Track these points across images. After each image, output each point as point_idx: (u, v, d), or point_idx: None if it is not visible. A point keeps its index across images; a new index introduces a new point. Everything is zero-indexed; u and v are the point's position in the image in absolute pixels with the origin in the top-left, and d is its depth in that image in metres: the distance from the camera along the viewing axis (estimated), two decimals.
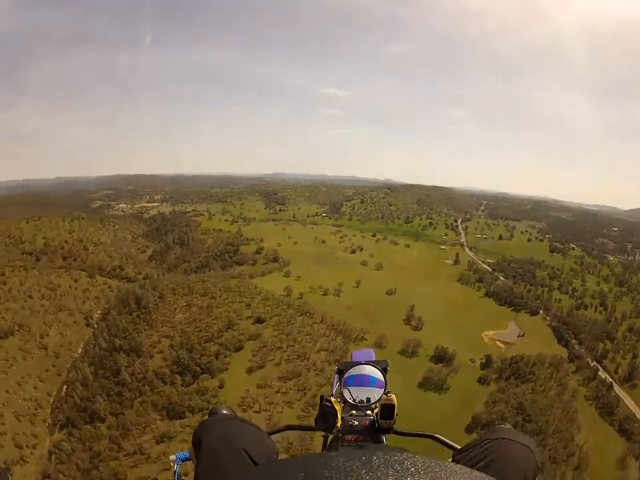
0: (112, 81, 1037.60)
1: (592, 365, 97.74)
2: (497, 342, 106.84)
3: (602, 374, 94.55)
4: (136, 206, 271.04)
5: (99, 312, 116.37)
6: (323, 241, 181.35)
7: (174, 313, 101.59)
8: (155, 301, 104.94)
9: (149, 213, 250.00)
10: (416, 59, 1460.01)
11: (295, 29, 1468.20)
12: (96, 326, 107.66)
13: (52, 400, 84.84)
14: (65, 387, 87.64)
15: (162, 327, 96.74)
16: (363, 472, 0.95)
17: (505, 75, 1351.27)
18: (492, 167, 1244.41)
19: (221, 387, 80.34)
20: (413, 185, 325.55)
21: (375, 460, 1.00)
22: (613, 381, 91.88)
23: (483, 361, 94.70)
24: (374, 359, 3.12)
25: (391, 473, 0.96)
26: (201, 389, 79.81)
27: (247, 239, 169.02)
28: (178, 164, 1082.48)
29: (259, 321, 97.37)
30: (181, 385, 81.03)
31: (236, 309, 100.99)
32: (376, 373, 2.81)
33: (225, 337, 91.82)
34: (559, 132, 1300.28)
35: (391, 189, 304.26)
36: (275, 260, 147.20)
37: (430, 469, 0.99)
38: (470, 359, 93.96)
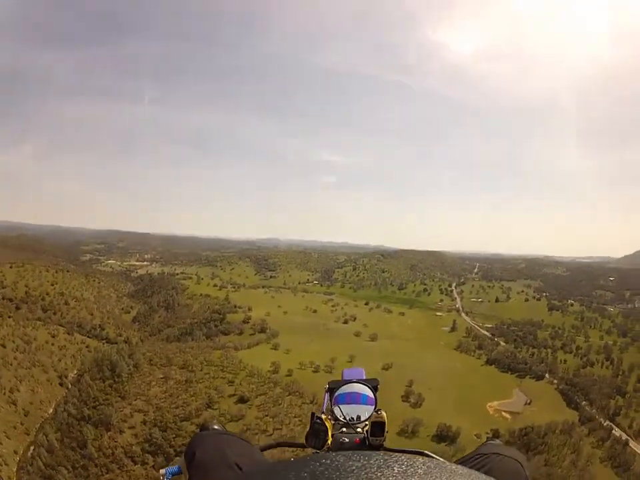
0: (110, 135, 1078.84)
1: (605, 424, 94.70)
2: (503, 412, 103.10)
3: (616, 432, 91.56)
4: (125, 263, 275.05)
5: (75, 372, 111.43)
6: (314, 311, 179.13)
7: (149, 386, 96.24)
8: (130, 370, 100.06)
9: (137, 272, 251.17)
10: (408, 123, 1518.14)
11: (290, 95, 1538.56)
12: (69, 387, 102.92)
13: (18, 459, 78.29)
14: (32, 447, 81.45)
15: (135, 400, 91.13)
16: (363, 472, 0.96)
17: (494, 133, 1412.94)
18: (483, 228, 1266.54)
19: None
20: (405, 250, 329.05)
21: (375, 461, 1.01)
22: (628, 437, 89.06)
23: (490, 435, 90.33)
24: (364, 377, 3.04)
25: (390, 473, 0.97)
26: None
27: (235, 307, 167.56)
28: (172, 224, 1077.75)
29: (242, 400, 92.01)
30: (152, 466, 74.34)
31: (217, 386, 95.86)
32: (366, 390, 2.79)
33: (203, 416, 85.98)
34: (548, 188, 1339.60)
35: (384, 255, 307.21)
36: (263, 330, 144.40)
37: (430, 469, 1.01)
38: (475, 435, 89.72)
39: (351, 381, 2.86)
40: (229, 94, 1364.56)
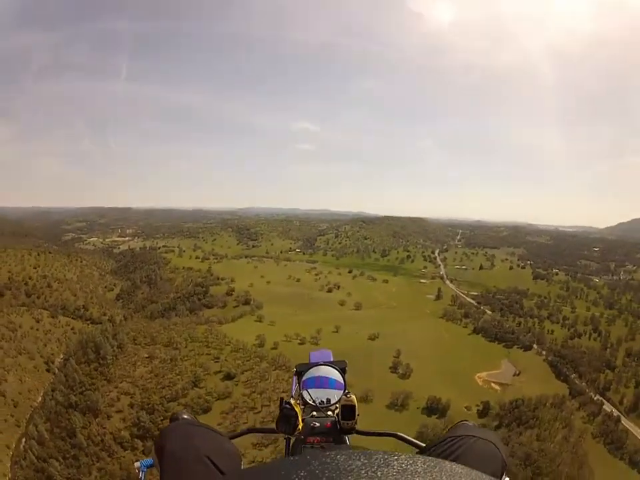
0: (88, 112, 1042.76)
1: (595, 398, 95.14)
2: (492, 384, 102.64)
3: (607, 407, 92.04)
4: (107, 240, 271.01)
5: (61, 356, 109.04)
6: (298, 280, 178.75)
7: (134, 366, 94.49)
8: (114, 351, 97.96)
9: (119, 248, 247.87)
10: (387, 94, 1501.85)
11: (268, 65, 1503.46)
12: (56, 373, 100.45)
13: (11, 453, 76.34)
14: (24, 440, 79.28)
15: (121, 383, 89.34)
16: (363, 471, 0.97)
17: (474, 103, 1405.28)
18: (465, 195, 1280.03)
19: None
20: (387, 216, 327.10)
21: (375, 460, 1.01)
22: (620, 413, 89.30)
23: (480, 407, 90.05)
24: (332, 360, 3.18)
25: (390, 472, 0.97)
26: None
27: (218, 279, 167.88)
28: (152, 197, 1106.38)
29: (229, 376, 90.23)
30: (142, 452, 72.62)
31: (202, 363, 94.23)
32: (335, 374, 2.89)
33: (190, 395, 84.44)
34: (530, 157, 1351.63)
35: (365, 222, 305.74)
36: (247, 302, 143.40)
37: (430, 468, 1.01)
38: (465, 407, 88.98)
39: (318, 364, 2.96)
40: (206, 70, 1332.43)
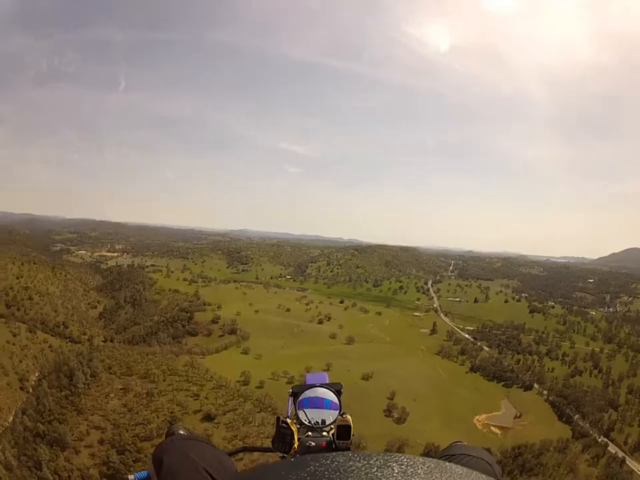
0: (82, 122, 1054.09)
1: (599, 439, 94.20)
2: (492, 427, 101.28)
3: (611, 448, 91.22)
4: (95, 254, 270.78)
5: (36, 374, 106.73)
6: (288, 309, 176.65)
7: (107, 398, 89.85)
8: (87, 379, 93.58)
9: (107, 263, 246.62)
10: (378, 116, 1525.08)
11: (260, 87, 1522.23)
12: (29, 392, 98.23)
13: None
14: None
15: (92, 415, 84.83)
16: (363, 473, 0.99)
17: (467, 128, 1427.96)
18: (456, 225, 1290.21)
19: None
20: (379, 245, 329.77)
21: (375, 461, 1.03)
22: (624, 454, 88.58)
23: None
24: (327, 382, 3.33)
25: (390, 473, 0.99)
26: None
27: (204, 304, 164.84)
28: (145, 213, 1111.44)
29: (209, 417, 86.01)
30: None
31: (181, 401, 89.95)
32: (330, 395, 3.03)
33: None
34: (522, 187, 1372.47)
35: (358, 250, 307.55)
36: (233, 332, 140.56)
37: (430, 469, 1.03)
38: None
39: (314, 385, 3.12)
40: (205, 86, 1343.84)
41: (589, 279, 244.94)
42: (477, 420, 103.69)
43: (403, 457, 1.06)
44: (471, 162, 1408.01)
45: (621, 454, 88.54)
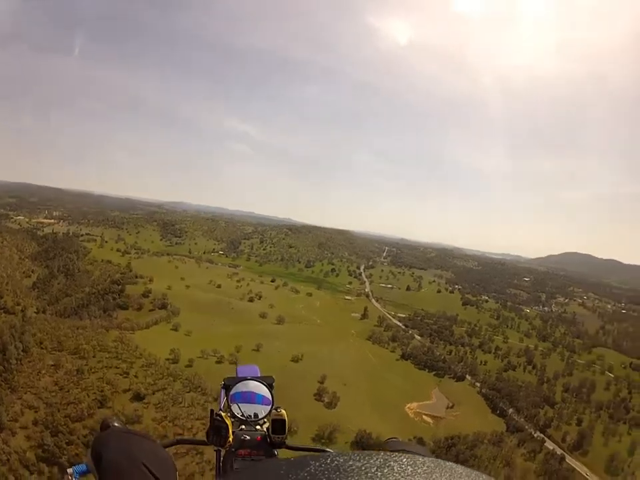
0: (26, 87, 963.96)
1: (535, 435, 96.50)
2: (424, 416, 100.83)
3: (549, 444, 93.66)
4: (33, 220, 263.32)
5: None
6: (219, 286, 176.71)
7: (39, 375, 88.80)
8: (19, 355, 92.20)
9: (43, 230, 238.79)
10: (330, 105, 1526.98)
11: (213, 63, 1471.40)
12: None
13: None
14: None
15: (25, 393, 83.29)
16: (363, 472, 1.00)
17: (412, 123, 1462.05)
18: (392, 213, 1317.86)
19: None
20: (314, 226, 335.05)
21: (375, 461, 1.05)
22: (563, 451, 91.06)
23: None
24: (259, 375, 3.36)
25: (390, 473, 1.01)
26: None
27: (136, 276, 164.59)
28: (85, 181, 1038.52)
29: (139, 397, 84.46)
30: (49, 478, 66.54)
31: (111, 379, 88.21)
32: (262, 389, 3.08)
33: (96, 417, 76.37)
34: (463, 181, 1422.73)
35: (292, 230, 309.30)
36: (164, 307, 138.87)
37: (430, 469, 1.05)
38: None
39: (245, 378, 3.15)
40: (151, 59, 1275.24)
41: (525, 277, 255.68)
42: (408, 408, 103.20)
43: (402, 457, 1.08)
44: (416, 158, 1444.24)
45: (559, 451, 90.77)
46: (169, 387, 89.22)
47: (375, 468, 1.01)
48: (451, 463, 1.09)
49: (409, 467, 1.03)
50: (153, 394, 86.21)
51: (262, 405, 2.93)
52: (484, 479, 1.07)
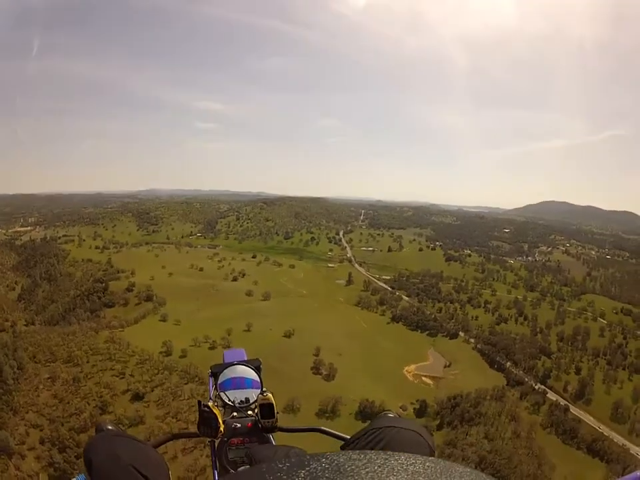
0: None
1: (537, 387, 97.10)
2: (423, 378, 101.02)
3: (551, 395, 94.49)
4: (10, 231, 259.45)
5: None
6: (201, 269, 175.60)
7: (37, 391, 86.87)
8: (15, 373, 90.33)
9: (21, 239, 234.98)
10: (292, 74, 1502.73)
11: (168, 40, 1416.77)
12: None
13: None
14: None
15: (27, 413, 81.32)
16: (364, 472, 1.00)
17: (381, 86, 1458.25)
18: (364, 174, 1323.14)
19: None
20: (288, 197, 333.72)
21: (376, 460, 1.05)
22: (566, 402, 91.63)
23: (417, 406, 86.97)
24: (246, 359, 3.44)
25: (391, 472, 1.01)
26: None
27: (118, 271, 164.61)
28: (55, 182, 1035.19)
29: (138, 396, 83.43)
30: None
31: (107, 382, 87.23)
32: (250, 373, 3.13)
33: None
34: (434, 139, 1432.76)
35: (266, 203, 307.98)
36: (149, 298, 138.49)
37: (431, 468, 1.05)
38: (400, 407, 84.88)
39: (233, 364, 3.19)
40: (105, 41, 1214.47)
41: (505, 228, 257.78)
42: (406, 371, 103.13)
43: (403, 456, 1.08)
44: (385, 121, 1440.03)
45: (562, 402, 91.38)
46: (167, 381, 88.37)
47: (376, 467, 1.02)
48: (450, 463, 1.10)
49: (409, 466, 1.03)
50: (152, 391, 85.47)
51: (251, 389, 2.97)
52: (484, 478, 1.07)
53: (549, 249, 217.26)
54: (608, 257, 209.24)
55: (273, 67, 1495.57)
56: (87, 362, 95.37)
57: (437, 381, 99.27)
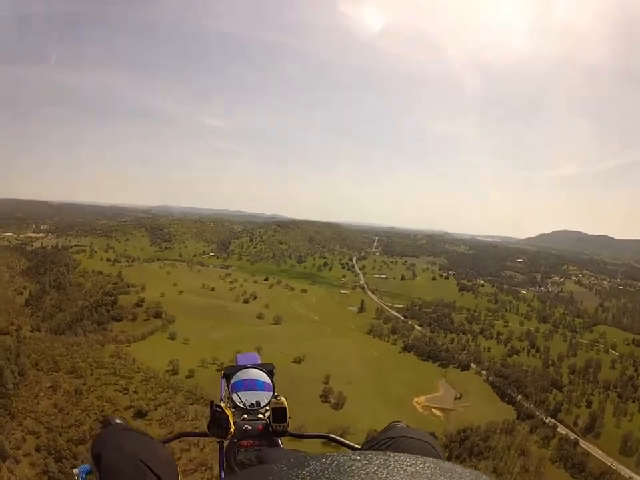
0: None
1: (547, 421, 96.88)
2: (433, 409, 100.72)
3: (561, 429, 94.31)
4: (22, 235, 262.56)
5: None
6: (212, 289, 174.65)
7: (37, 399, 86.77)
8: (16, 378, 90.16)
9: (32, 245, 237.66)
10: (307, 94, 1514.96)
11: (186, 57, 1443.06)
12: None
13: None
14: None
15: (25, 419, 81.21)
16: (364, 472, 1.01)
17: (393, 108, 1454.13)
18: (379, 201, 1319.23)
19: None
20: (302, 220, 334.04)
21: (376, 461, 1.06)
22: (576, 435, 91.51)
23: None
24: (259, 362, 3.39)
25: (391, 473, 1.01)
26: None
27: (128, 285, 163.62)
28: (70, 191, 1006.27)
29: (140, 414, 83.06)
30: None
31: (110, 397, 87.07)
32: (263, 376, 3.12)
33: None
34: (449, 165, 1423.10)
35: (280, 226, 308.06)
36: (158, 315, 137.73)
37: (432, 469, 1.05)
38: None
39: (246, 366, 3.20)
40: (123, 57, 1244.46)
41: (518, 258, 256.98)
42: (416, 402, 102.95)
43: (403, 457, 1.09)
44: (397, 142, 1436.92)
45: (572, 435, 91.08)
46: (171, 400, 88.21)
47: (376, 468, 1.02)
48: (451, 463, 1.10)
49: (409, 467, 1.04)
50: (155, 409, 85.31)
51: (264, 391, 2.95)
52: (484, 479, 1.08)
53: (562, 279, 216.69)
54: (620, 287, 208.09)
55: (286, 86, 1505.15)
56: (91, 374, 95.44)
57: (447, 413, 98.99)
